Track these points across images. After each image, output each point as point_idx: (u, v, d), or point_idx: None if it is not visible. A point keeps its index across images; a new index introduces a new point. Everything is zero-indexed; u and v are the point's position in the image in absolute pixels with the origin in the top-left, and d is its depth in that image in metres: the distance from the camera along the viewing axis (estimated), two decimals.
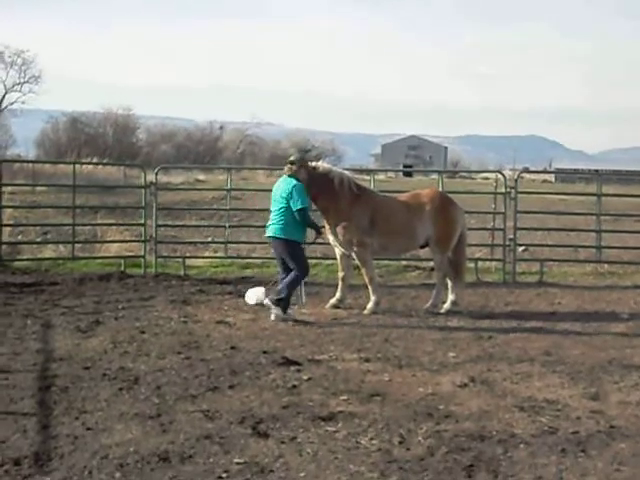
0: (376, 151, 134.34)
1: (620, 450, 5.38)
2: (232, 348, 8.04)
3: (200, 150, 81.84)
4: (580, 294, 12.08)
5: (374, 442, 5.43)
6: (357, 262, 10.49)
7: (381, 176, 43.17)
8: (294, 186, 9.58)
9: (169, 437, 5.43)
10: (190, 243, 15.57)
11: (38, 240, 16.20)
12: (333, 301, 10.49)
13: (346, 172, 10.62)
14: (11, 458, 4.96)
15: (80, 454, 5.10)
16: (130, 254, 13.67)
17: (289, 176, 9.76)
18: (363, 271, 10.43)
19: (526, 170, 51.62)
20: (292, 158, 10.03)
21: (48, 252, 14.26)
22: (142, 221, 13.67)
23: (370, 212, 10.22)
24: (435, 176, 21.52)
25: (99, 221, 17.41)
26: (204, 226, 17.91)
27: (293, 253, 9.63)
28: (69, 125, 71.20)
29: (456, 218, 10.57)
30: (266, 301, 9.54)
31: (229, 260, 14.09)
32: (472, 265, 13.26)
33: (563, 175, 63.15)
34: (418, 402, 6.35)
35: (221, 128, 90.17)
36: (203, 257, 14.38)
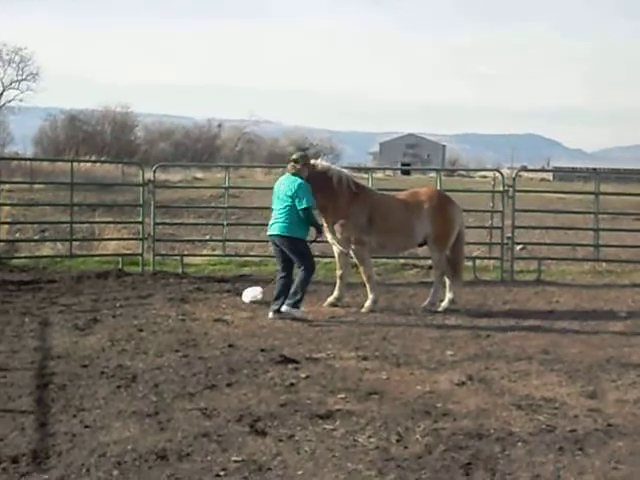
0: (374, 149, 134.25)
1: (617, 448, 5.38)
2: (230, 346, 8.04)
3: (198, 148, 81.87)
4: (578, 292, 12.09)
5: (372, 440, 5.43)
6: (355, 260, 10.49)
7: (379, 174, 43.15)
8: (299, 184, 9.55)
9: (167, 435, 5.43)
10: (188, 241, 15.56)
11: (36, 238, 16.17)
12: (331, 299, 10.49)
13: (344, 170, 10.62)
14: (9, 456, 4.96)
15: (78, 452, 5.10)
16: (128, 252, 13.66)
17: (293, 174, 9.73)
18: (361, 269, 10.44)
19: (524, 169, 51.64)
20: (295, 156, 9.99)
21: (46, 250, 14.25)
22: (140, 219, 13.67)
23: (368, 210, 10.22)
24: (433, 174, 21.52)
25: (97, 219, 17.38)
26: (202, 224, 17.90)
27: (300, 250, 9.63)
28: (67, 123, 71.19)
29: (454, 216, 10.57)
30: (284, 308, 9.50)
31: (227, 258, 14.09)
32: (470, 263, 13.26)
33: (561, 174, 63.25)
34: (416, 400, 6.35)
35: (219, 126, 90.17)
36: (201, 255, 14.38)
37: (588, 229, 15.30)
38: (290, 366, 7.29)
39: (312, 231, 9.79)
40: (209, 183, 32.44)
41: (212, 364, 7.30)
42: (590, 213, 14.94)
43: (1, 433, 5.41)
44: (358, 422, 5.78)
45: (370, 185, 12.64)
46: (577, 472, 4.98)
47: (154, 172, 13.83)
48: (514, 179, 13.94)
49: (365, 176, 14.57)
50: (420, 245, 10.89)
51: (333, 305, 10.40)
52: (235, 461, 5.00)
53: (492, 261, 14.06)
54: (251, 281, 12.09)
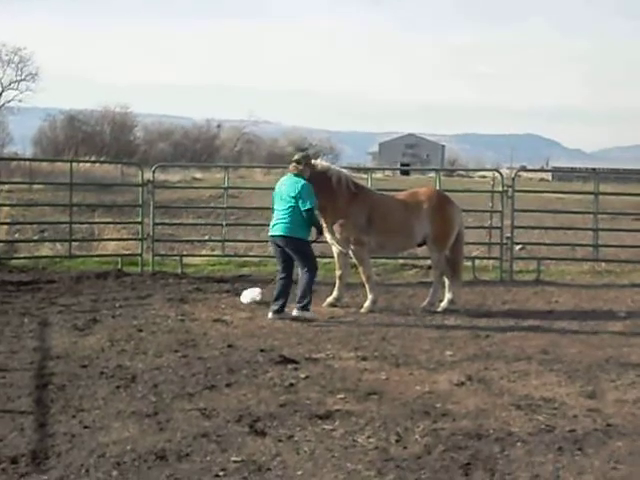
0: (373, 149, 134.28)
1: (617, 448, 5.38)
2: (229, 346, 8.04)
3: (197, 148, 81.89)
4: (577, 293, 12.09)
5: (371, 440, 5.43)
6: (354, 260, 10.49)
7: (378, 174, 43.14)
8: (303, 185, 9.54)
9: (166, 435, 5.43)
10: (187, 241, 15.56)
11: (35, 238, 16.17)
12: (330, 299, 10.49)
13: (344, 170, 10.62)
14: (8, 456, 4.96)
15: (77, 452, 5.10)
16: (127, 252, 13.66)
17: (295, 175, 9.71)
18: (360, 269, 10.44)
19: (523, 169, 51.65)
20: (297, 157, 9.97)
21: (45, 250, 14.25)
22: (139, 219, 13.67)
23: (367, 210, 10.22)
24: (432, 174, 21.52)
25: (96, 219, 17.40)
26: (201, 224, 17.90)
27: (303, 251, 9.63)
28: (66, 123, 71.19)
29: (453, 216, 10.57)
30: (295, 313, 9.49)
31: (226, 258, 14.09)
32: (469, 263, 13.27)
33: (560, 174, 63.24)
34: (415, 400, 6.35)
35: (219, 126, 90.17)
36: (200, 255, 14.37)
37: (587, 229, 15.31)
38: (289, 366, 7.29)
39: (313, 231, 9.78)
40: (208, 183, 32.42)
41: (211, 364, 7.30)
42: (589, 213, 14.95)
43: (0, 433, 5.40)
44: (357, 422, 5.78)
45: (369, 185, 12.65)
46: (576, 472, 4.98)
47: (153, 172, 13.82)
48: (513, 179, 13.94)
49: (364, 176, 14.57)
50: (419, 245, 10.89)
51: (332, 305, 10.40)
52: (234, 461, 5.00)
53: (491, 261, 14.06)
54: (250, 281, 12.09)
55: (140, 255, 13.29)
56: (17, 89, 66.86)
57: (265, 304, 10.13)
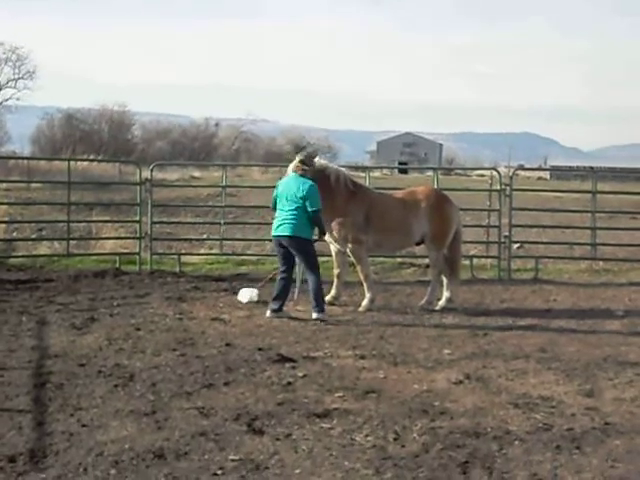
0: (372, 148, 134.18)
1: (615, 447, 5.39)
2: (227, 345, 8.05)
3: (195, 147, 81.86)
4: (575, 291, 12.10)
5: (369, 439, 5.43)
6: (352, 259, 10.49)
7: (376, 173, 43.19)
8: (311, 186, 9.50)
9: (164, 434, 5.43)
10: (185, 240, 15.56)
11: (33, 237, 16.15)
12: (328, 298, 10.47)
13: (342, 169, 10.62)
14: (6, 455, 4.96)
15: (75, 451, 5.10)
16: (125, 251, 13.65)
17: (301, 175, 9.67)
18: (358, 268, 10.44)
19: (521, 167, 51.65)
20: (302, 157, 9.91)
21: (43, 249, 14.23)
22: (137, 218, 13.66)
23: (365, 209, 10.22)
24: (430, 173, 21.52)
25: (94, 218, 17.37)
26: (199, 223, 17.89)
27: (308, 250, 9.62)
28: (64, 122, 71.12)
29: (451, 215, 10.58)
30: (315, 315, 9.46)
31: (224, 257, 14.09)
32: (467, 262, 13.27)
33: (558, 172, 63.23)
34: (413, 399, 6.36)
35: (216, 125, 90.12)
36: (198, 254, 14.36)
37: (585, 228, 15.32)
38: (287, 365, 7.29)
39: (315, 231, 9.74)
40: (206, 182, 32.40)
41: (209, 363, 7.30)
42: (587, 212, 14.96)
43: None
44: (355, 421, 5.78)
45: (367, 184, 12.65)
46: (574, 470, 4.99)
47: (151, 171, 13.81)
48: (511, 178, 13.96)
49: (362, 175, 14.56)
50: (417, 244, 10.90)
51: (330, 304, 10.38)
52: (232, 460, 5.00)
53: (489, 260, 14.07)
54: (248, 280, 12.09)
55: (138, 254, 13.28)
56: (15, 87, 66.76)
57: (263, 303, 10.13)
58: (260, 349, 7.87)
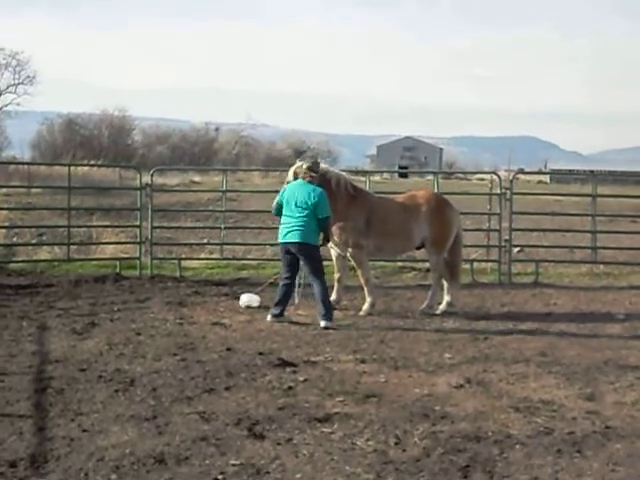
0: (372, 152, 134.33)
1: (615, 451, 5.39)
2: (228, 350, 8.04)
3: (195, 151, 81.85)
4: (576, 295, 12.10)
5: (370, 443, 5.43)
6: (353, 263, 10.50)
7: (376, 177, 43.21)
8: (321, 193, 9.51)
9: (165, 439, 5.42)
10: (186, 245, 15.56)
11: (33, 242, 16.17)
12: None
13: (343, 173, 10.63)
14: (7, 460, 4.96)
15: (76, 456, 5.10)
16: (125, 256, 13.66)
17: (309, 182, 9.64)
18: (359, 272, 10.44)
19: (521, 171, 51.71)
20: (309, 164, 9.83)
21: (43, 254, 14.24)
22: (137, 223, 13.66)
23: (366, 213, 10.23)
24: (430, 177, 21.52)
25: (94, 223, 17.36)
26: (200, 228, 17.90)
27: (315, 257, 9.62)
28: (64, 127, 71.18)
29: (452, 219, 10.58)
30: (324, 324, 9.43)
31: (225, 262, 14.09)
32: (468, 266, 13.27)
33: (558, 176, 63.18)
34: (414, 403, 6.35)
35: (216, 129, 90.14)
36: (199, 259, 14.37)
37: (585, 231, 15.32)
38: (288, 369, 7.29)
39: (320, 237, 9.70)
40: (206, 187, 32.36)
41: (210, 368, 7.30)
42: (587, 215, 14.97)
43: None
44: (356, 425, 5.78)
45: (368, 188, 12.65)
46: (575, 474, 4.99)
47: (151, 176, 13.82)
48: (511, 181, 13.95)
49: (362, 179, 14.57)
50: (418, 248, 10.90)
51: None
52: (233, 465, 5.00)
53: (490, 264, 14.07)
54: (249, 284, 12.09)
55: (138, 258, 13.28)
56: (15, 93, 66.81)
57: (264, 308, 10.13)
58: (261, 353, 7.86)
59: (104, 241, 14.93)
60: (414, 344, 8.58)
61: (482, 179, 43.58)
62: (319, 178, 9.88)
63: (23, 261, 13.75)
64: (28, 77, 66.64)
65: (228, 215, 16.34)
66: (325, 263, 12.17)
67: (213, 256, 14.49)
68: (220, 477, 4.82)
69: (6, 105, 66.51)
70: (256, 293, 10.78)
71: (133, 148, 75.53)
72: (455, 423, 5.87)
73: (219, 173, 22.29)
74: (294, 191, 9.62)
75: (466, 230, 12.75)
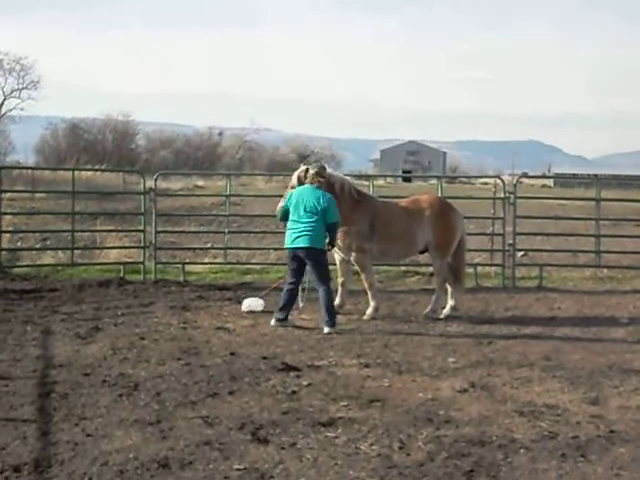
0: (375, 156, 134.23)
1: (620, 455, 5.38)
2: (232, 354, 8.04)
3: (199, 156, 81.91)
4: (579, 299, 12.09)
5: (374, 448, 5.43)
6: (356, 268, 10.49)
7: (380, 181, 43.18)
8: (330, 199, 9.53)
9: (169, 443, 5.42)
10: (189, 249, 15.57)
11: (37, 246, 16.20)
12: None
13: (347, 177, 10.63)
14: (11, 465, 4.96)
15: (80, 460, 5.10)
16: (129, 260, 13.67)
17: (317, 188, 9.64)
18: (362, 277, 10.43)
19: (525, 175, 51.64)
20: (317, 169, 9.82)
21: (47, 258, 14.26)
22: (141, 227, 13.68)
23: (370, 217, 10.23)
24: (434, 181, 21.54)
25: (98, 227, 17.39)
26: (203, 232, 17.90)
27: (323, 262, 9.64)
28: (68, 131, 71.30)
29: (455, 223, 10.58)
30: (326, 330, 9.43)
31: (228, 266, 14.09)
32: (471, 270, 13.26)
33: (562, 180, 63.12)
34: (418, 407, 6.35)
35: (220, 134, 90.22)
36: (202, 263, 14.37)
37: (589, 235, 15.31)
38: (292, 374, 7.29)
39: (326, 242, 9.70)
40: (210, 191, 32.42)
41: (214, 372, 7.30)
42: (591, 219, 14.95)
43: (3, 442, 5.40)
44: (360, 430, 5.78)
45: (371, 192, 12.65)
46: (579, 479, 4.98)
47: (155, 180, 13.83)
48: (515, 186, 13.95)
49: (366, 183, 14.57)
50: (421, 252, 10.90)
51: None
52: (237, 469, 5.00)
53: (493, 268, 14.06)
54: (253, 289, 12.09)
55: (142, 263, 13.29)
56: (19, 97, 67.07)
57: (268, 312, 10.13)
58: (265, 358, 7.86)
59: (108, 246, 14.94)
60: (418, 348, 8.57)
61: (486, 183, 43.52)
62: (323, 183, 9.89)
63: (27, 265, 13.78)
64: (32, 82, 66.96)
65: (232, 219, 16.35)
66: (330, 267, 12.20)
67: (217, 260, 14.49)
68: None
69: (10, 110, 66.79)
70: (260, 297, 10.78)
71: (137, 153, 75.64)
72: (459, 427, 5.86)
73: (223, 177, 22.31)
74: (302, 196, 9.61)
75: (470, 234, 12.75)
